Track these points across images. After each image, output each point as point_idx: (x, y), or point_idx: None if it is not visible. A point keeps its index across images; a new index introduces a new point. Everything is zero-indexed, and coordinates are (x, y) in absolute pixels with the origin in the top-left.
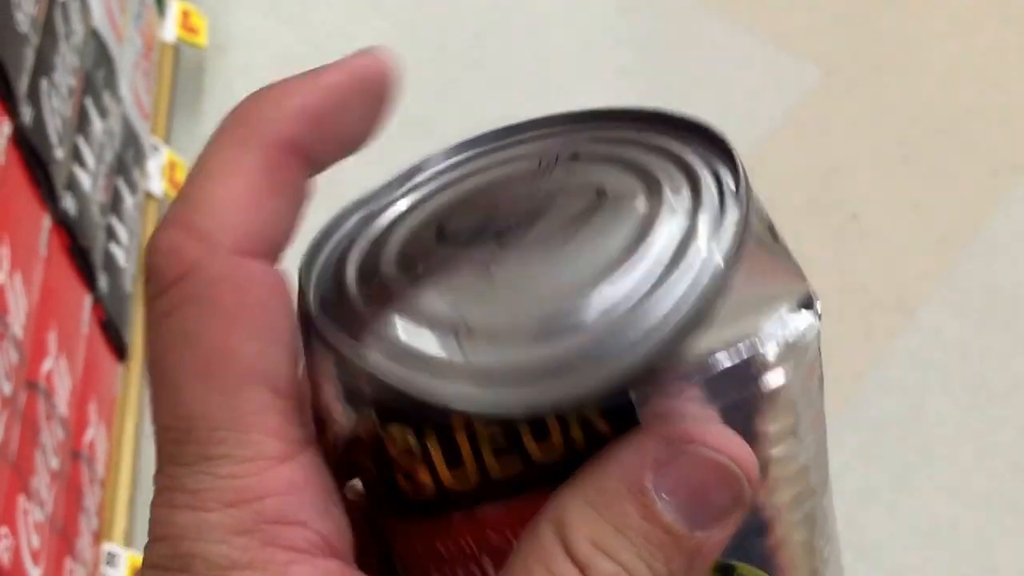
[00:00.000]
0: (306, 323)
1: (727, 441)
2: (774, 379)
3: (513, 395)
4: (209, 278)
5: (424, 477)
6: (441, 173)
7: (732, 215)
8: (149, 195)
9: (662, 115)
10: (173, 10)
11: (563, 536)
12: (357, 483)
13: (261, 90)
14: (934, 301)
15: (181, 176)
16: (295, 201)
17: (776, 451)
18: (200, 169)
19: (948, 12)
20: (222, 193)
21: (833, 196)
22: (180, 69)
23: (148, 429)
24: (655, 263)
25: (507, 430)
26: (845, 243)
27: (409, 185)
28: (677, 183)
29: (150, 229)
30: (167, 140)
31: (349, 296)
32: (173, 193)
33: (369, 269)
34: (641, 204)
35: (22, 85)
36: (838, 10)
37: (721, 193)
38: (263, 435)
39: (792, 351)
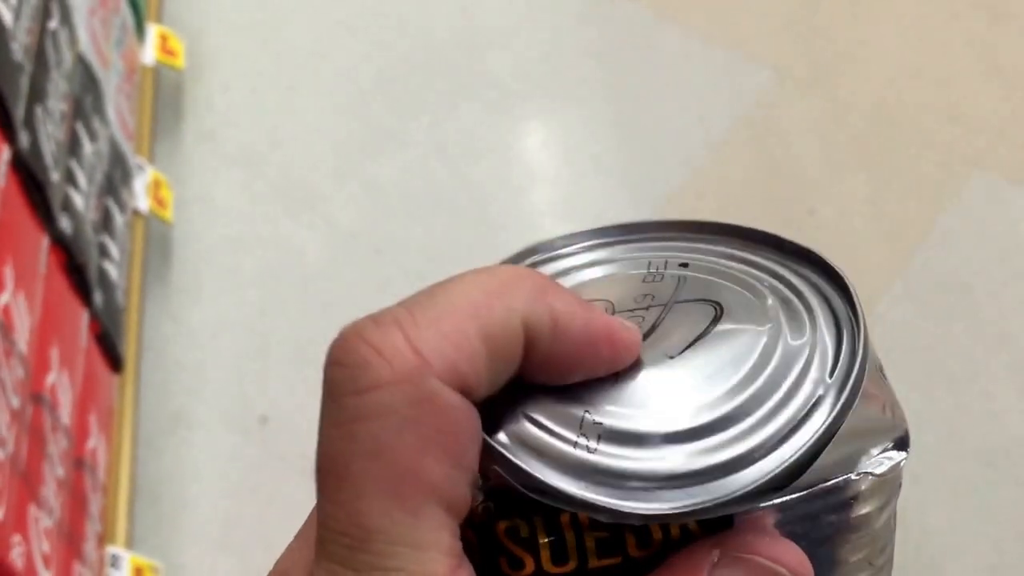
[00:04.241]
0: None
1: (782, 552)
2: (862, 510)
3: (628, 499)
4: (415, 396)
5: (526, 562)
6: (551, 260)
7: (849, 357)
8: (136, 213)
9: (772, 237)
10: (152, 34)
11: None
12: None
13: (532, 271)
14: (892, 293)
15: (165, 194)
16: (505, 368)
17: None
18: (445, 291)
19: (896, 15)
20: (451, 328)
21: (789, 193)
22: (160, 91)
23: (145, 437)
24: (774, 392)
25: (614, 529)
26: (802, 238)
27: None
28: (791, 309)
29: (138, 246)
30: (151, 159)
31: None
32: (159, 210)
33: None
34: (758, 326)
35: (19, 111)
36: (789, 15)
37: (837, 325)
38: (436, 552)
39: (882, 487)
